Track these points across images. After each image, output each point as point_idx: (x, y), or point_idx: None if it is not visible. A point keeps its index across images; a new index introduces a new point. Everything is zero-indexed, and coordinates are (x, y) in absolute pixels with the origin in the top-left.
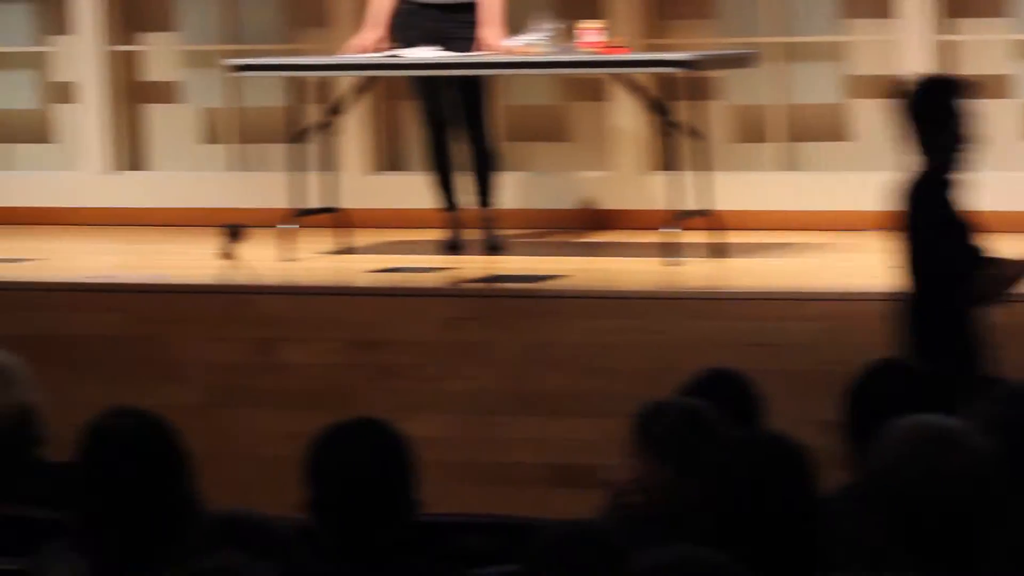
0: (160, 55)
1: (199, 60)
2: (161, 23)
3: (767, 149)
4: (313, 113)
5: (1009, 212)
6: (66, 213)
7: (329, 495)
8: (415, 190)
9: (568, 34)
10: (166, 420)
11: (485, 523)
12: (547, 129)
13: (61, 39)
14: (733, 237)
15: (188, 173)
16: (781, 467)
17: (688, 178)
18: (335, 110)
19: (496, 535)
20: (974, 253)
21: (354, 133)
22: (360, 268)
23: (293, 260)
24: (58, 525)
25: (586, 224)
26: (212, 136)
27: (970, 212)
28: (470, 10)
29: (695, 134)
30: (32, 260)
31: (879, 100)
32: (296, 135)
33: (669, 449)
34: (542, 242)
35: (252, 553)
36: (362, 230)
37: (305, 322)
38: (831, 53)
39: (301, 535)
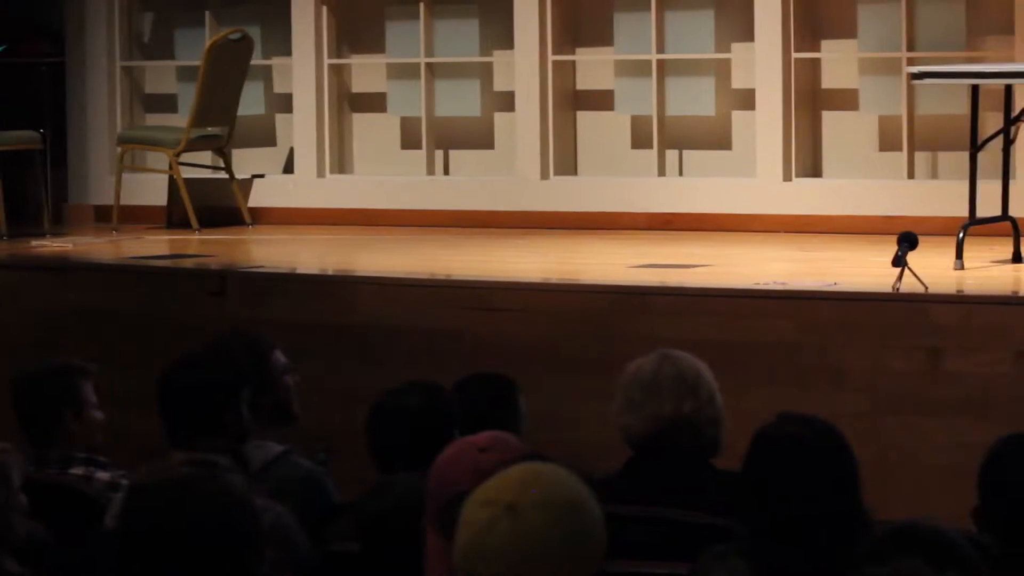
0: (839, 61)
1: (878, 67)
2: (840, 30)
3: None
4: (991, 122)
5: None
6: (742, 220)
7: (1000, 506)
8: None
9: None
10: (836, 428)
11: None
12: None
13: (741, 46)
14: None
15: (866, 181)
16: None
17: None
18: (1015, 119)
19: None
20: None
21: None
22: None
23: (966, 269)
24: (725, 531)
25: None
26: (892, 143)
27: None
28: None
29: None
30: (706, 266)
31: None
32: (974, 144)
33: None
34: None
35: (931, 563)
36: None
37: (974, 331)
38: None
39: (974, 546)
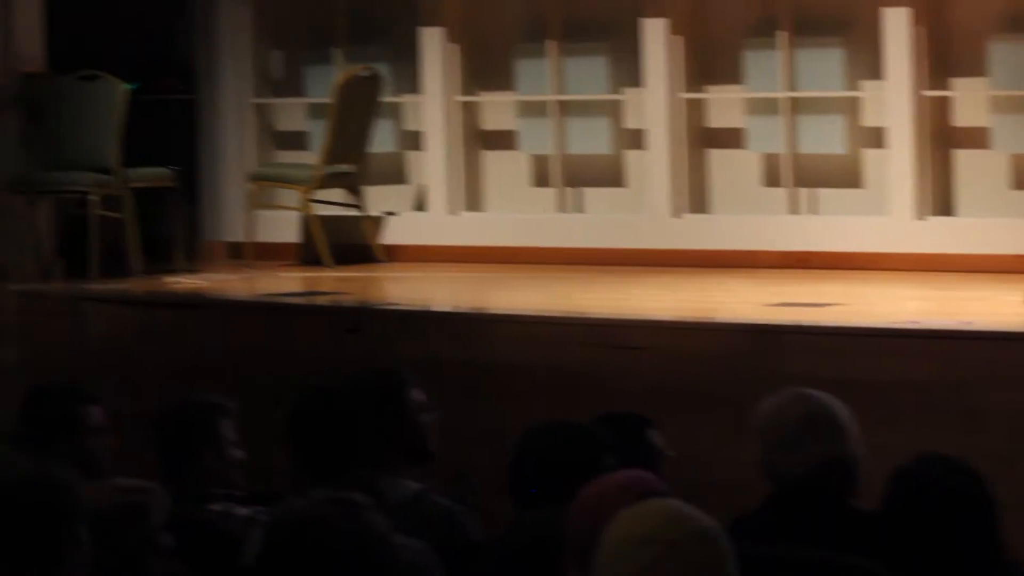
0: (970, 99)
1: (1011, 105)
2: (971, 68)
3: None
4: None
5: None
6: (874, 258)
7: None
8: None
9: None
10: (975, 468)
11: None
12: None
13: (872, 83)
14: None
15: (999, 220)
16: None
17: None
18: None
19: None
20: None
21: None
22: None
23: None
24: (868, 572)
25: None
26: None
27: None
28: None
29: None
30: (837, 305)
31: None
32: None
33: None
34: None
35: None
36: None
37: None
38: None
39: None
